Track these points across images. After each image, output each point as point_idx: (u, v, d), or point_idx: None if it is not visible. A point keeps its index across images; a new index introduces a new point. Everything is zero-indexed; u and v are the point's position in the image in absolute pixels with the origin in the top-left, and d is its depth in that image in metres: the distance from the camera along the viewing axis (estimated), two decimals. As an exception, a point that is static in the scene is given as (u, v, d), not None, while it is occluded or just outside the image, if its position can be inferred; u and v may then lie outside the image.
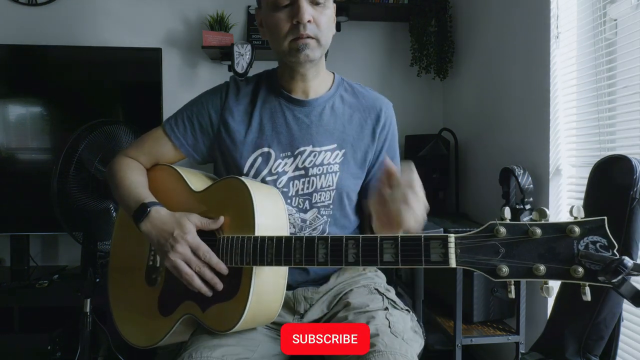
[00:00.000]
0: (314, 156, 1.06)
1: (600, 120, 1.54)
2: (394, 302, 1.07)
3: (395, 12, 2.57)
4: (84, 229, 1.84)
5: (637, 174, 1.10)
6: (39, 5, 2.47)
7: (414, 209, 0.77)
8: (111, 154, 1.64)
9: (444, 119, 2.73)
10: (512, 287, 0.68)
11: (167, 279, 1.01)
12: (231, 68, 2.37)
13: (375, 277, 1.17)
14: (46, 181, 1.72)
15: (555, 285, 0.66)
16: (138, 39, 2.51)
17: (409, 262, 0.74)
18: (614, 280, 0.58)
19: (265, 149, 1.07)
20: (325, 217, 1.08)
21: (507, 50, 2.01)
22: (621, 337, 1.19)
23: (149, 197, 1.02)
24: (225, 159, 1.10)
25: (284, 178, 1.06)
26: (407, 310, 1.07)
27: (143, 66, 2.30)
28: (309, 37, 0.97)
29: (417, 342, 0.99)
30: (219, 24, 2.47)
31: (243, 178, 0.96)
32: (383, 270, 1.24)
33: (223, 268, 0.91)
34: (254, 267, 0.87)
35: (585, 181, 1.24)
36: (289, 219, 1.01)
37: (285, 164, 1.06)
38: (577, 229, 0.62)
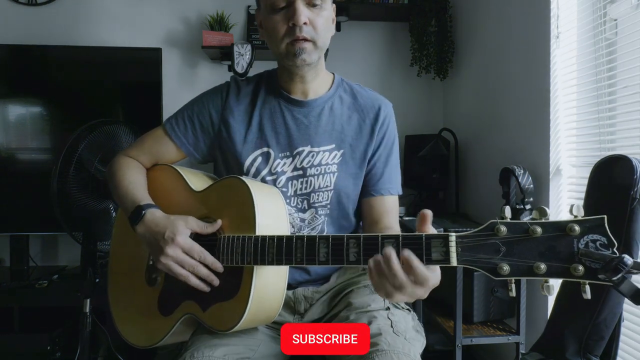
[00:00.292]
0: (312, 156, 1.07)
1: (600, 120, 1.54)
2: (395, 301, 1.07)
3: (395, 12, 2.58)
4: (84, 229, 1.85)
5: (638, 174, 1.10)
6: (39, 5, 2.47)
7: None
8: (111, 154, 1.64)
9: (444, 119, 2.73)
10: (513, 285, 0.68)
11: (167, 278, 1.00)
12: (231, 68, 2.37)
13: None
14: (46, 181, 1.72)
15: (555, 283, 0.66)
16: (138, 39, 2.51)
17: (410, 260, 0.74)
18: (614, 278, 0.58)
19: (265, 149, 1.07)
20: (323, 217, 1.08)
21: (507, 50, 2.01)
22: (622, 337, 1.19)
23: (145, 199, 1.01)
24: (225, 159, 1.10)
25: (283, 178, 1.06)
26: (408, 309, 1.07)
27: (143, 66, 2.30)
28: (305, 39, 0.97)
29: (419, 342, 0.99)
30: (219, 24, 2.48)
31: (244, 178, 0.96)
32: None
33: (219, 267, 0.91)
34: (255, 267, 0.87)
35: (586, 181, 1.24)
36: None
37: (284, 164, 1.07)
38: (577, 228, 0.62)
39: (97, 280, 1.55)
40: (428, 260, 0.72)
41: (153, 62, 2.27)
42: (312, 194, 1.07)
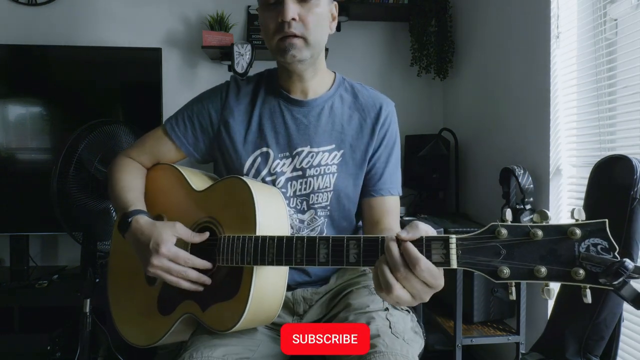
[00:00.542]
0: (312, 157, 1.06)
1: (600, 120, 1.54)
2: (394, 302, 1.06)
3: (395, 12, 2.57)
4: (84, 229, 1.84)
5: (638, 174, 1.10)
6: (39, 5, 2.47)
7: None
8: (111, 154, 1.64)
9: (444, 119, 2.73)
10: (513, 288, 0.67)
11: (167, 278, 1.00)
12: (231, 68, 2.37)
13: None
14: (46, 181, 1.72)
15: (555, 287, 0.66)
16: (138, 39, 2.51)
17: (410, 262, 0.74)
18: (614, 283, 0.58)
19: (265, 149, 1.06)
20: (322, 218, 1.08)
21: (507, 50, 2.01)
22: (621, 337, 1.19)
23: (134, 205, 1.00)
24: (225, 159, 1.10)
25: (282, 178, 1.06)
26: (407, 310, 1.06)
27: (143, 66, 2.29)
28: (295, 36, 0.96)
29: (417, 343, 0.99)
30: (219, 24, 2.47)
31: (244, 178, 0.96)
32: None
33: (208, 265, 0.92)
34: (255, 267, 0.87)
35: (586, 181, 1.24)
36: None
37: (284, 164, 1.06)
38: (578, 231, 0.62)
39: (97, 280, 1.55)
40: (428, 262, 0.71)
41: (153, 62, 2.26)
42: (312, 195, 1.06)
